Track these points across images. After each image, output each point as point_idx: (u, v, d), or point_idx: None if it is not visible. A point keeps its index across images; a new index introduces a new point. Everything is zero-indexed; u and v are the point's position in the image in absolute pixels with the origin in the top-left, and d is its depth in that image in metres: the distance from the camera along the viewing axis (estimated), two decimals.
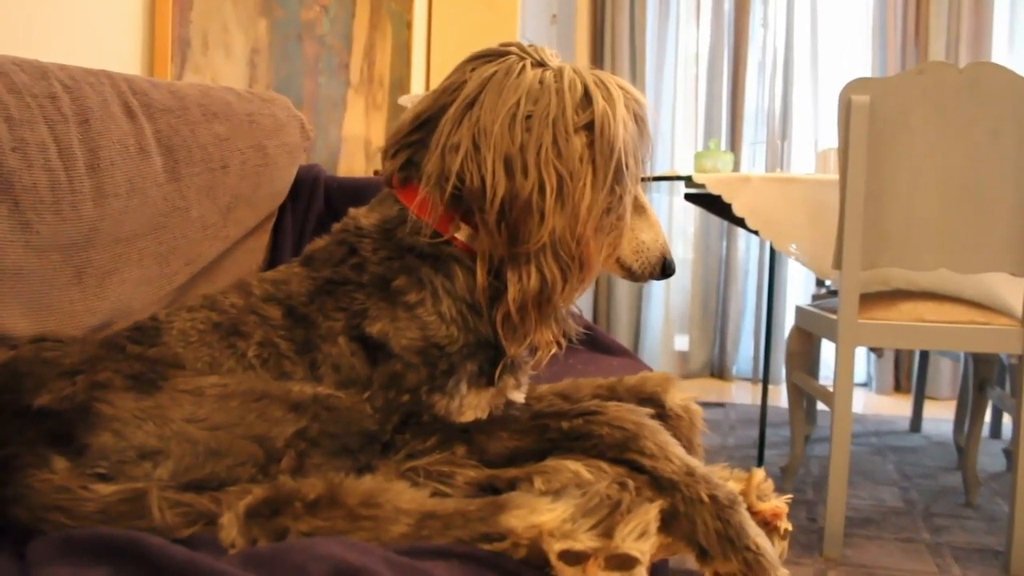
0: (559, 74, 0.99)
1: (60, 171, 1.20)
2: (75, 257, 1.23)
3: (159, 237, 1.37)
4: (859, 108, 2.10)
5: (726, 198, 2.60)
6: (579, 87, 0.98)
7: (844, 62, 4.53)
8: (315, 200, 1.70)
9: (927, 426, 3.53)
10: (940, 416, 3.74)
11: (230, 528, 0.75)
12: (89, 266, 1.25)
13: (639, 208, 1.10)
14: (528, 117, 0.96)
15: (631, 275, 1.11)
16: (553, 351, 1.01)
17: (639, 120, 1.04)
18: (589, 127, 0.97)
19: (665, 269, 1.11)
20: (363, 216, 1.08)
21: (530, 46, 1.04)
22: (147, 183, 1.34)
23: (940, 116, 2.09)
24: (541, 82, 0.97)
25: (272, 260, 1.65)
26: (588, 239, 0.97)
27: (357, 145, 2.92)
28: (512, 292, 0.96)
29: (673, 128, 4.61)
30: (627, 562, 0.72)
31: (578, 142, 0.96)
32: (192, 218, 1.43)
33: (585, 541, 0.72)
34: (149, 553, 0.68)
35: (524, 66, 0.99)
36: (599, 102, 0.98)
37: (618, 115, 0.98)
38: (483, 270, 0.98)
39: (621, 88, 1.02)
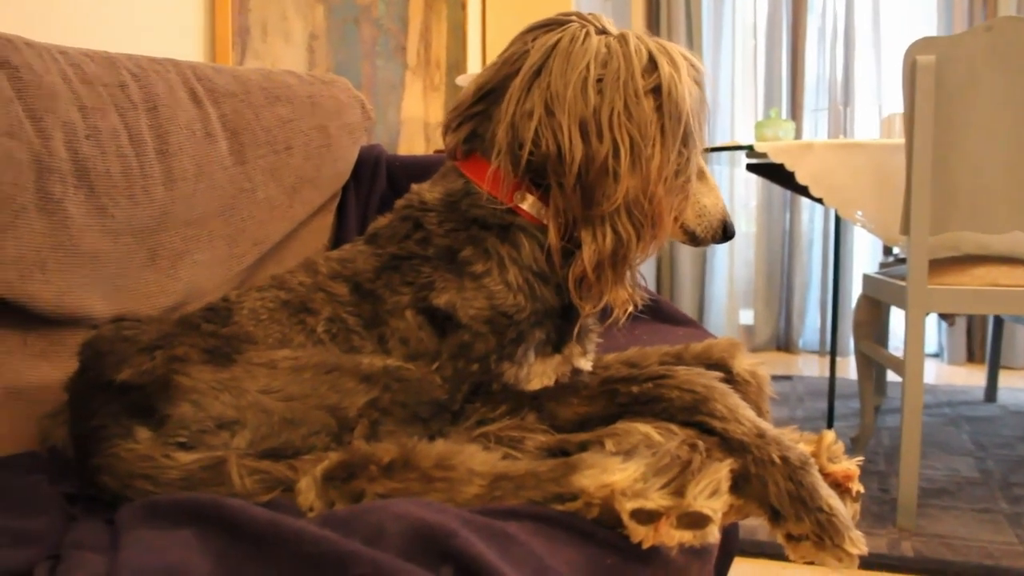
0: (623, 39, 0.99)
1: (132, 157, 1.24)
2: (148, 240, 1.26)
3: (227, 219, 1.40)
4: (924, 68, 2.05)
5: (788, 166, 2.56)
6: (644, 52, 0.98)
7: (908, 25, 4.40)
8: (378, 179, 1.72)
9: (1003, 395, 3.45)
10: (1017, 385, 3.64)
11: (308, 492, 0.77)
12: (162, 248, 1.29)
13: (699, 173, 1.09)
14: (599, 80, 0.96)
15: (693, 239, 1.11)
16: (629, 310, 1.01)
17: (699, 86, 1.04)
18: (656, 91, 0.97)
19: (726, 231, 1.11)
20: (426, 191, 1.08)
21: (589, 14, 1.04)
22: (214, 166, 1.37)
23: (1010, 73, 2.03)
24: (607, 47, 0.98)
25: (337, 239, 1.67)
26: (660, 198, 0.97)
27: (416, 127, 2.93)
28: (587, 252, 0.96)
29: (732, 99, 4.54)
30: (700, 520, 0.72)
31: (647, 105, 0.96)
32: (259, 199, 1.45)
33: (657, 500, 0.72)
34: (232, 515, 0.70)
35: (588, 32, 0.99)
36: (664, 67, 0.98)
37: (683, 79, 0.99)
38: (557, 233, 0.99)
39: (681, 54, 1.02)
